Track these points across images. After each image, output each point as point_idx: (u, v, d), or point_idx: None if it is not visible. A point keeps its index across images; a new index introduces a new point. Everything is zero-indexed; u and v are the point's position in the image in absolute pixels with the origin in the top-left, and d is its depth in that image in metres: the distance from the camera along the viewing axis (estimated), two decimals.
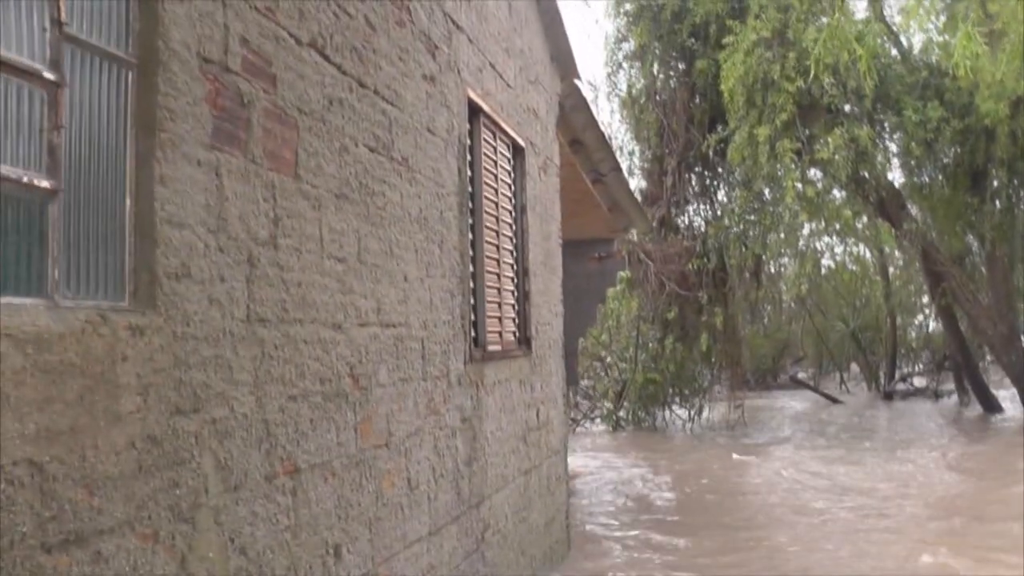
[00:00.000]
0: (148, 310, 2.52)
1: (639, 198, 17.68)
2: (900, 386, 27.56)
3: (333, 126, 3.67)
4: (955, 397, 24.39)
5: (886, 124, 18.48)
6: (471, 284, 5.49)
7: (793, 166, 18.06)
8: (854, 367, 32.42)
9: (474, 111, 5.69)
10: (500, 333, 6.14)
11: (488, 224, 5.93)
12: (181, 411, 2.61)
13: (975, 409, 21.93)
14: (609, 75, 21.12)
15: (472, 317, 5.49)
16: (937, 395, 25.61)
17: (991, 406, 21.79)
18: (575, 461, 13.30)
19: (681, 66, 20.18)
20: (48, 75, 2.33)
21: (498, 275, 6.15)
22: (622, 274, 18.60)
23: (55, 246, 2.32)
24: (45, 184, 2.29)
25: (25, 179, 2.24)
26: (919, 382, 28.02)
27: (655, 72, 20.37)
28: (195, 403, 2.68)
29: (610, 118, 22.09)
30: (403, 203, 4.38)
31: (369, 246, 3.96)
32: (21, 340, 2.06)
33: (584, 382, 19.97)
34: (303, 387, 3.31)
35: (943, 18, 17.55)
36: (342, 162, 3.73)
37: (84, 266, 2.42)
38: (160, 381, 2.53)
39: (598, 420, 19.67)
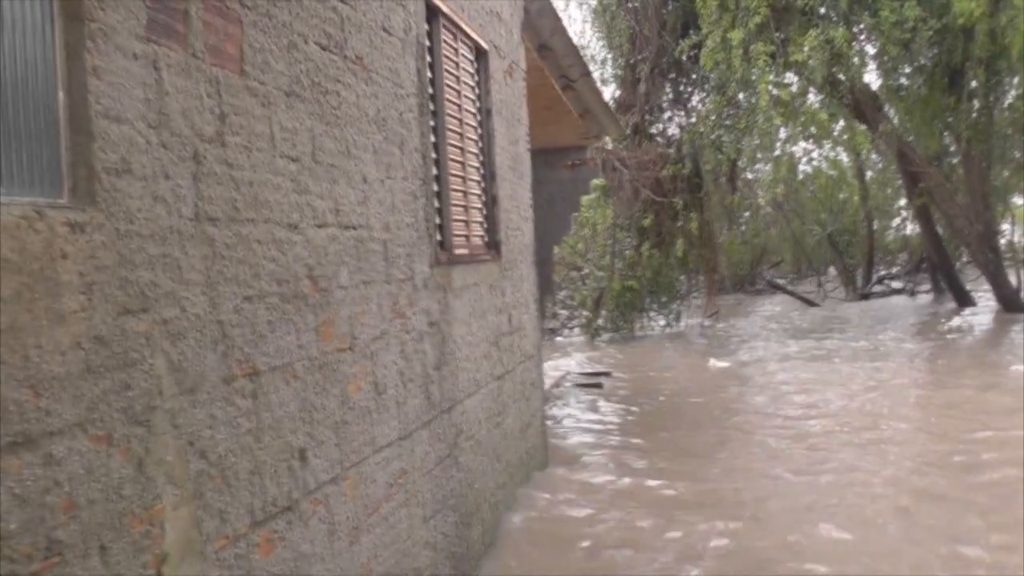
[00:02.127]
0: (88, 206, 2.44)
1: (612, 106, 17.57)
2: (877, 288, 27.77)
3: (280, 21, 3.55)
4: (931, 295, 24.69)
5: (862, 25, 18.27)
6: (435, 187, 5.41)
7: (767, 69, 17.90)
8: (832, 271, 32.57)
9: (432, 11, 5.55)
10: (467, 237, 6.08)
11: (451, 127, 5.83)
12: (129, 311, 2.55)
13: (949, 305, 22.27)
14: None
15: (437, 220, 5.41)
16: (913, 294, 25.88)
17: (965, 301, 22.12)
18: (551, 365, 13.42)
19: None
20: None
21: (464, 179, 6.07)
22: (596, 182, 18.57)
23: None
24: None
25: None
26: (896, 284, 28.21)
27: None
28: (143, 303, 2.62)
29: (581, 26, 21.86)
30: (359, 103, 4.28)
31: (324, 146, 3.87)
32: None
33: (561, 292, 20.00)
34: (259, 288, 3.25)
35: None
36: (291, 59, 3.63)
37: (17, 162, 2.33)
38: (104, 280, 2.46)
39: (576, 329, 19.74)
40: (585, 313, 19.39)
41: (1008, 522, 6.20)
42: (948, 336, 17.43)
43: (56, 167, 2.44)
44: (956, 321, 19.47)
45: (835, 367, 13.77)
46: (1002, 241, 23.22)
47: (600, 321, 19.02)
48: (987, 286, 21.49)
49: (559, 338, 18.98)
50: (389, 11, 4.76)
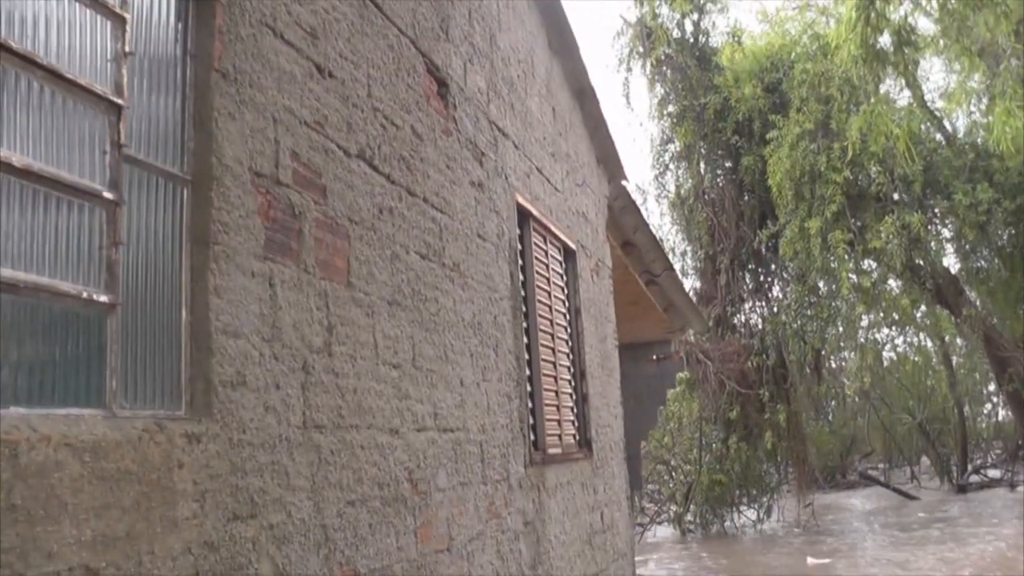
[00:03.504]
0: (204, 418, 2.55)
1: (693, 298, 17.67)
2: (974, 478, 26.81)
3: (384, 234, 3.73)
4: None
5: (937, 209, 18.36)
6: (528, 387, 5.48)
7: (846, 257, 18.01)
8: (924, 460, 31.61)
9: (523, 216, 5.75)
10: (560, 436, 6.11)
11: (543, 327, 5.95)
12: (238, 517, 2.62)
13: None
14: (656, 177, 21.35)
15: (531, 420, 5.47)
16: (1012, 485, 24.90)
17: None
18: (647, 570, 13.09)
19: (727, 164, 20.35)
20: (107, 195, 2.41)
21: (555, 378, 6.14)
22: (681, 375, 18.48)
23: (113, 358, 2.37)
24: (104, 299, 2.36)
25: (85, 295, 2.30)
26: (993, 473, 27.26)
27: (702, 171, 20.57)
28: (252, 509, 2.69)
29: (660, 219, 22.22)
30: (456, 308, 4.42)
31: (423, 351, 3.98)
32: (79, 449, 2.09)
33: (649, 486, 19.70)
34: (361, 492, 3.31)
35: (985, 100, 17.53)
36: (394, 269, 3.79)
37: (141, 377, 2.47)
38: (216, 487, 2.54)
39: (665, 524, 19.35)
40: (674, 508, 19.05)
41: None
42: None
43: (176, 381, 2.57)
44: None
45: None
46: None
47: (689, 516, 18.64)
48: None
49: (647, 532, 18.59)
50: (484, 218, 4.95)
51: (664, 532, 18.84)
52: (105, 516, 2.15)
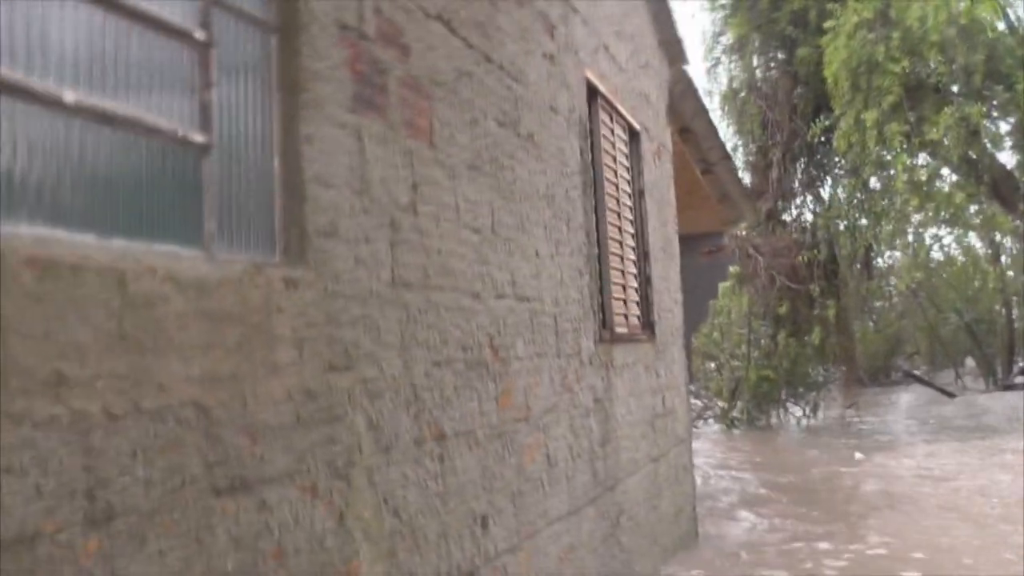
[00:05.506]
0: (299, 265, 2.52)
1: (747, 191, 17.44)
2: (1019, 379, 26.58)
3: (463, 98, 3.66)
4: None
5: (996, 101, 17.88)
6: (597, 265, 5.44)
7: (902, 150, 17.60)
8: (969, 361, 31.33)
9: (592, 92, 5.64)
10: (625, 316, 6.07)
11: (610, 206, 5.87)
12: (334, 367, 2.61)
13: None
14: (709, 70, 20.91)
15: (599, 297, 5.43)
16: None
17: None
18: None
19: (781, 55, 19.85)
20: (199, 35, 2.35)
21: (621, 258, 6.09)
22: (732, 269, 18.36)
23: (210, 200, 2.34)
24: (199, 139, 2.32)
25: (180, 133, 2.26)
26: None
27: (755, 63, 20.13)
28: (347, 360, 2.67)
29: (715, 111, 21.83)
30: (531, 179, 4.36)
31: (502, 219, 3.93)
32: (184, 285, 2.08)
33: (697, 381, 19.71)
34: (446, 354, 3.30)
35: None
36: (473, 134, 3.72)
37: (237, 221, 2.44)
38: (314, 335, 2.53)
39: (711, 420, 19.40)
40: (720, 403, 19.07)
41: None
42: None
43: (271, 228, 2.54)
44: None
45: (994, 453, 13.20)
46: None
47: (735, 412, 18.66)
48: None
49: (694, 428, 18.66)
50: (556, 91, 4.86)
51: (710, 427, 18.88)
52: (210, 355, 2.14)
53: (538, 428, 4.20)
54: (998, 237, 26.07)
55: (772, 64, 20.10)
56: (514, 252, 4.04)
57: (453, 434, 3.32)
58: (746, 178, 19.93)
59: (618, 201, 6.09)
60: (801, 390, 19.53)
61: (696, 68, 28.80)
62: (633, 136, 6.69)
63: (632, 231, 6.49)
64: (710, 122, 9.73)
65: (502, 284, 3.86)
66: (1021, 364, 27.76)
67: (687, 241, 12.90)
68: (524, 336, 4.08)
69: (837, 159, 19.25)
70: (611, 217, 5.87)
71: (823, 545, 7.80)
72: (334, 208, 2.68)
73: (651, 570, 6.21)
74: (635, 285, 6.46)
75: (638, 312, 6.50)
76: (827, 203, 19.84)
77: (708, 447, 15.76)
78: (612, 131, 6.09)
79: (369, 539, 2.74)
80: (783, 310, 18.48)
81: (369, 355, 2.79)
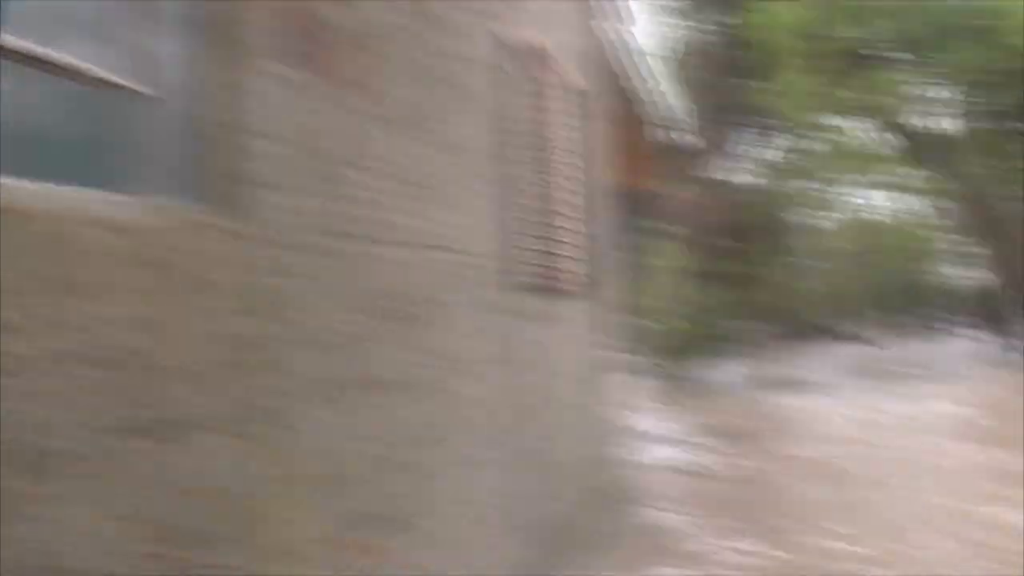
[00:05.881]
0: (234, 215, 2.57)
1: (686, 150, 17.64)
2: (942, 330, 27.47)
3: (400, 52, 3.71)
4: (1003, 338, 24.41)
5: (936, 69, 18.19)
6: (535, 218, 5.53)
7: (839, 114, 17.91)
8: (899, 316, 32.25)
9: (529, 48, 5.69)
10: (558, 269, 6.17)
11: (544, 161, 5.94)
12: (266, 315, 2.67)
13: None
14: (649, 29, 20.99)
15: (535, 250, 5.52)
16: (981, 338, 25.54)
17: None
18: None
19: (724, 17, 19.99)
20: None
21: (554, 212, 6.17)
22: (668, 226, 18.60)
23: (145, 148, 2.39)
24: (137, 88, 2.36)
25: (118, 81, 2.30)
26: (966, 330, 27.77)
27: (697, 25, 20.23)
28: (279, 309, 2.74)
29: (655, 70, 21.93)
30: (470, 133, 4.43)
31: (437, 172, 4.00)
32: (118, 231, 2.12)
33: (630, 336, 19.89)
34: (380, 304, 3.38)
35: None
36: (410, 88, 3.78)
37: (172, 169, 2.48)
38: (249, 283, 2.59)
39: (643, 372, 19.62)
40: (652, 358, 19.30)
41: None
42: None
43: (207, 178, 2.58)
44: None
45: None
46: None
47: (666, 365, 18.91)
48: None
49: (627, 382, 18.83)
50: (492, 47, 4.92)
51: (643, 382, 19.08)
52: (144, 300, 2.18)
53: (470, 376, 4.30)
54: (933, 199, 26.68)
55: (714, 26, 20.20)
56: (451, 205, 4.12)
57: (383, 383, 3.40)
58: (684, 136, 20.09)
59: (552, 156, 6.17)
60: (736, 344, 19.86)
61: (637, 27, 28.82)
62: (569, 92, 6.76)
63: (566, 186, 6.56)
64: (646, 80, 9.83)
65: (438, 236, 3.94)
66: (954, 319, 28.57)
67: (621, 197, 13.02)
68: (458, 287, 4.17)
69: (778, 120, 19.48)
70: (545, 172, 5.95)
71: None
72: (270, 159, 2.74)
73: (573, 512, 6.36)
74: (569, 240, 6.55)
75: (571, 266, 6.60)
76: (766, 164, 20.09)
77: (644, 400, 15.97)
78: (548, 87, 6.16)
79: (295, 483, 2.81)
80: (718, 267, 18.71)
81: (301, 304, 2.86)
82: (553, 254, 6.11)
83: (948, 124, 20.78)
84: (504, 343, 4.91)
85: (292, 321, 2.80)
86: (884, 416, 12.79)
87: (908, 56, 17.77)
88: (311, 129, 2.97)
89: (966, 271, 29.80)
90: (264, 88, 2.72)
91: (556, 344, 5.99)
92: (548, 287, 5.88)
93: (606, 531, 6.63)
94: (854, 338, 27.32)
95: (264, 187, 2.70)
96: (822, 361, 22.33)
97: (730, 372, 19.48)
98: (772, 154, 20.20)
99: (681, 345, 18.91)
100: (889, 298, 31.04)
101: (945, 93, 19.26)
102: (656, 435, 12.22)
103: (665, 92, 20.73)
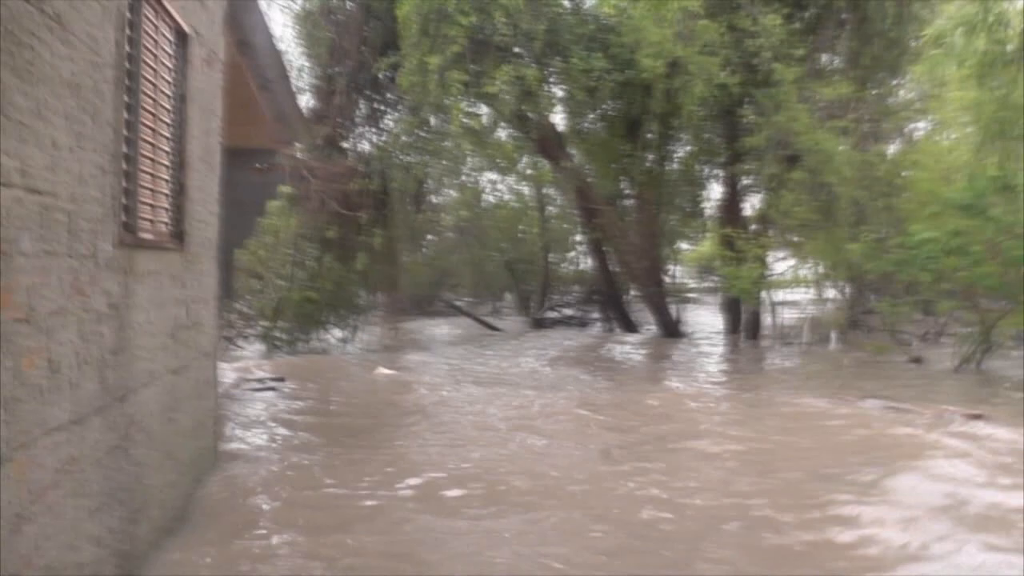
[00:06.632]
0: None
1: (307, 115, 17.43)
2: (551, 315, 28.97)
3: None
4: (600, 325, 26.33)
5: (553, 69, 19.35)
6: (125, 165, 5.19)
7: (461, 97, 18.54)
8: (508, 297, 33.78)
9: None
10: (152, 222, 5.85)
11: (145, 106, 5.60)
12: None
13: (617, 331, 24.14)
14: None
15: (124, 200, 5.19)
16: (583, 323, 27.36)
17: (631, 329, 24.55)
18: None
19: None
20: None
21: (153, 162, 5.85)
22: (284, 189, 18.36)
23: None
24: None
25: None
26: (569, 312, 29.51)
27: None
28: None
29: (281, 30, 21.65)
30: (54, 63, 4.05)
31: (16, 101, 3.63)
32: None
33: (241, 299, 19.49)
34: None
35: None
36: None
37: None
38: None
39: (253, 339, 19.29)
40: (263, 323, 19.00)
41: None
42: (614, 355, 19.38)
43: None
44: (622, 346, 21.38)
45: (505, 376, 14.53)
46: (665, 278, 25.18)
47: (278, 332, 18.69)
48: (651, 317, 23.71)
49: (235, 346, 18.45)
50: None
51: (251, 347, 18.77)
52: None
53: (42, 331, 3.96)
54: (544, 189, 28.33)
55: None
56: (27, 139, 3.74)
57: None
58: (308, 101, 19.90)
59: (156, 103, 5.84)
60: (344, 313, 19.95)
61: None
62: (181, 37, 6.44)
63: (169, 136, 6.25)
64: (271, 39, 9.63)
65: (10, 172, 3.58)
66: (553, 302, 30.22)
67: (237, 155, 12.68)
68: (32, 231, 3.82)
69: (400, 96, 19.76)
70: (146, 118, 5.62)
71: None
72: None
73: (164, 482, 6.12)
74: (166, 192, 6.25)
75: (168, 219, 6.30)
76: (385, 136, 20.30)
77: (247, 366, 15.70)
78: (157, 29, 5.83)
79: None
80: (331, 234, 18.66)
81: None
82: (151, 205, 5.80)
83: (560, 120, 22.20)
84: (93, 295, 4.58)
85: None
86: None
87: (525, 51, 18.69)
88: None
89: (571, 256, 31.82)
90: None
91: (147, 300, 5.68)
92: (143, 239, 5.57)
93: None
94: (469, 315, 28.31)
95: None
96: (429, 336, 23.10)
97: (330, 339, 19.65)
98: (394, 127, 20.40)
99: (294, 310, 18.76)
100: (492, 276, 32.52)
101: (559, 92, 20.48)
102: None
103: (294, 53, 20.53)
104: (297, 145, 15.83)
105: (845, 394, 12.71)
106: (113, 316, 4.99)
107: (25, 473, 3.81)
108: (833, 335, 21.73)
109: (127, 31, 5.21)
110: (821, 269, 22.42)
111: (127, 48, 5.23)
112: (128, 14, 5.24)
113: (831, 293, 23.96)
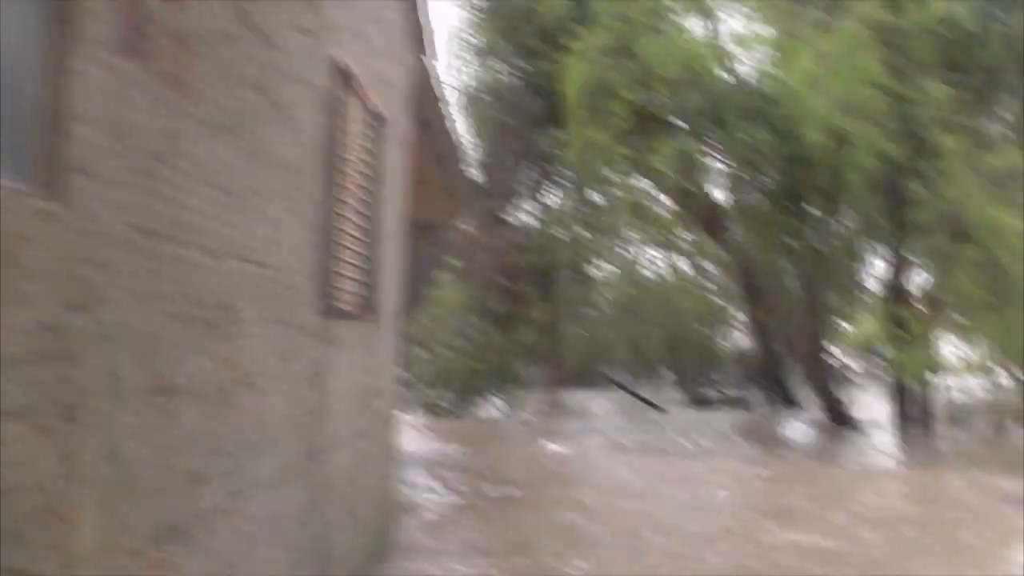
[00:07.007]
0: (51, 199, 2.52)
1: (473, 188, 17.89)
2: (710, 393, 28.41)
3: (223, 58, 3.70)
4: (763, 408, 25.41)
5: (716, 143, 19.20)
6: (329, 240, 5.55)
7: (625, 173, 18.66)
8: (666, 373, 33.31)
9: (342, 72, 5.74)
10: (349, 293, 6.21)
11: (347, 186, 5.98)
12: (75, 306, 2.62)
13: (781, 414, 22.96)
14: (454, 67, 21.32)
15: (327, 272, 5.54)
16: (745, 404, 26.29)
17: (794, 408, 23.17)
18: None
19: (525, 65, 20.49)
20: None
21: (352, 236, 6.22)
22: (452, 261, 18.81)
23: None
24: None
25: None
26: (730, 391, 28.85)
27: (498, 68, 20.66)
28: (87, 301, 2.69)
29: (453, 109, 22.26)
30: (279, 148, 4.43)
31: (248, 183, 3.99)
32: None
33: (408, 367, 19.92)
34: (182, 308, 3.34)
35: (775, 52, 18.60)
36: (229, 94, 3.77)
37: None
38: (59, 271, 2.54)
39: (417, 406, 19.70)
40: (428, 391, 19.41)
41: None
42: (784, 445, 18.37)
43: (28, 158, 2.52)
44: (788, 431, 20.24)
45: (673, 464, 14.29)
46: (829, 359, 24.16)
47: (442, 401, 19.07)
48: (815, 398, 22.28)
49: (402, 414, 18.80)
50: (309, 66, 4.94)
51: (415, 415, 19.15)
52: None
53: (260, 393, 4.28)
54: (707, 265, 27.97)
55: (514, 71, 20.68)
56: (256, 217, 4.11)
57: (179, 389, 3.36)
58: (477, 176, 20.43)
59: (356, 182, 6.22)
60: (507, 384, 20.19)
61: (441, 63, 29.14)
62: (378, 120, 6.84)
63: (365, 212, 6.62)
64: (447, 116, 10.00)
65: (240, 246, 3.92)
66: (715, 382, 29.55)
67: (411, 227, 13.12)
68: (255, 300, 4.15)
69: (565, 171, 20.05)
70: (347, 196, 6.00)
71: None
72: (92, 147, 2.70)
73: (350, 542, 6.37)
74: (361, 264, 6.60)
75: (361, 291, 6.64)
76: (550, 211, 20.62)
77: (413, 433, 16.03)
78: (357, 112, 6.21)
79: (87, 484, 2.75)
80: (497, 306, 19.03)
81: (109, 298, 2.82)
82: (349, 278, 6.15)
83: (721, 194, 21.97)
84: (300, 361, 4.90)
85: (95, 314, 2.75)
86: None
87: (687, 126, 18.68)
88: (131, 121, 2.94)
89: (727, 334, 31.22)
90: (91, 74, 2.68)
91: (344, 367, 6.00)
92: (341, 309, 5.90)
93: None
94: (615, 386, 28.09)
95: (82, 174, 2.65)
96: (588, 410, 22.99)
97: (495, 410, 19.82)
98: (556, 201, 20.75)
99: (451, 378, 19.09)
100: (651, 352, 32.11)
101: (720, 165, 20.33)
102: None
103: (462, 129, 21.16)
104: (467, 218, 16.28)
105: None
106: (314, 381, 5.30)
107: (240, 524, 4.08)
108: (1010, 424, 20.32)
109: (335, 117, 5.60)
110: (994, 352, 21.23)
111: (334, 132, 5.61)
112: (335, 99, 5.63)
113: (1004, 379, 22.44)
